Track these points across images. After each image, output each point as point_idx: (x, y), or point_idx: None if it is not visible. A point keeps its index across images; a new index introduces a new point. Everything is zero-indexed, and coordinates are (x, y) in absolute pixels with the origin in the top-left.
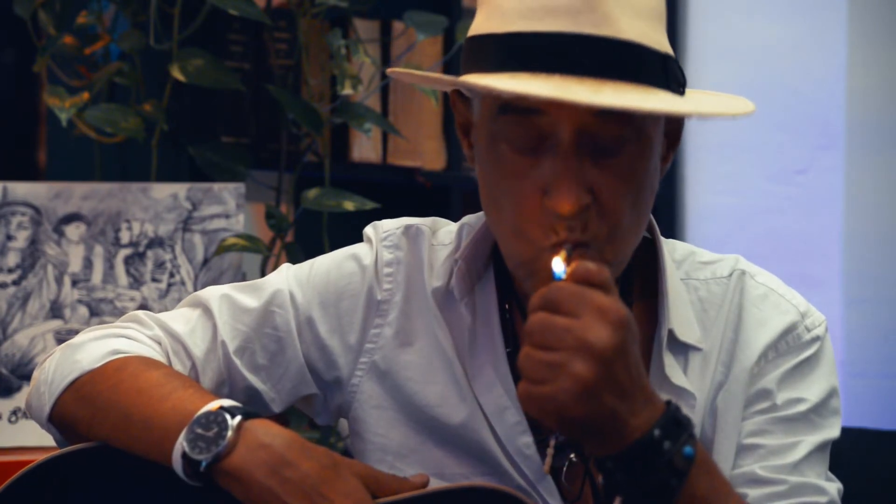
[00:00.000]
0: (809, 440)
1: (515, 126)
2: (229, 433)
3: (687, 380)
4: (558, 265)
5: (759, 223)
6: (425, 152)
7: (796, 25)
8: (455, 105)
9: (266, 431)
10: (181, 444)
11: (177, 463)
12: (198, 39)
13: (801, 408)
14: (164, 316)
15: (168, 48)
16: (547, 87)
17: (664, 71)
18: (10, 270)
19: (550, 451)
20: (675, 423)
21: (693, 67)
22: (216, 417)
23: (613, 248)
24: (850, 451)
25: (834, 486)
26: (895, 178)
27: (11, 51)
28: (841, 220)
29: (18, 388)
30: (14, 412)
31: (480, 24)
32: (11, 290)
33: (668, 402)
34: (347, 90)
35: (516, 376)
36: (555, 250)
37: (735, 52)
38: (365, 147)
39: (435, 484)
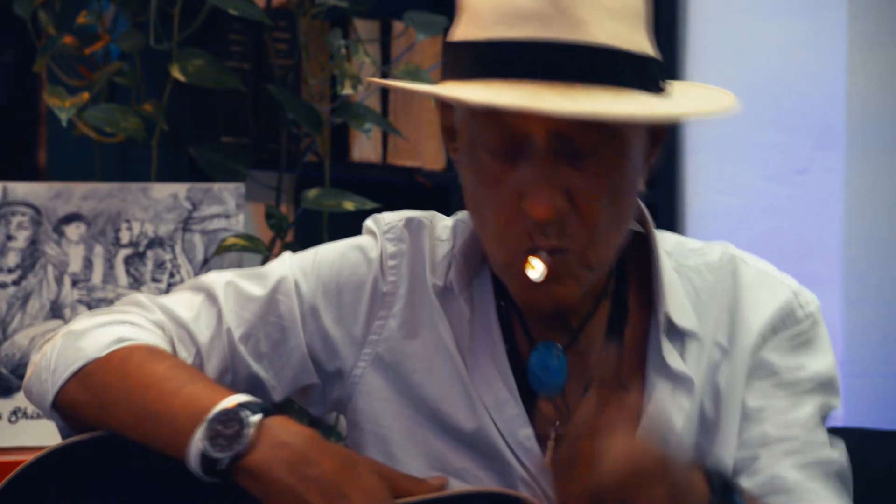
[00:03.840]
0: (813, 402)
1: (490, 130)
2: (250, 431)
3: (685, 364)
4: (533, 271)
5: (759, 223)
6: (425, 152)
7: (796, 25)
8: (440, 110)
9: (285, 430)
10: (200, 442)
11: (194, 459)
12: (198, 39)
13: (803, 374)
14: (165, 300)
15: (168, 48)
16: (517, 95)
17: (641, 72)
18: (10, 270)
19: (551, 443)
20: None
21: (693, 67)
22: (235, 415)
23: (595, 250)
24: (850, 451)
25: (840, 447)
26: (895, 179)
27: (11, 51)
28: (841, 220)
29: (18, 388)
30: (14, 412)
31: (458, 32)
32: (11, 290)
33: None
34: (347, 90)
35: (515, 370)
36: (529, 255)
37: (735, 52)
38: (365, 147)
39: (436, 477)
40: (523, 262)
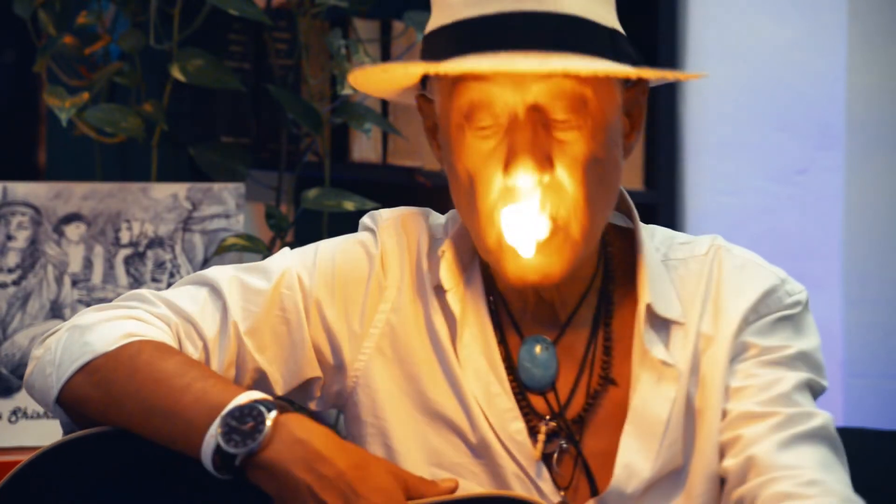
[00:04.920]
0: (796, 376)
1: (471, 106)
2: (266, 427)
3: (669, 353)
4: (524, 248)
5: (759, 223)
6: (425, 152)
7: (796, 25)
8: (421, 109)
9: (301, 427)
10: (214, 437)
11: (207, 455)
12: (198, 39)
13: (786, 352)
14: (169, 294)
15: (168, 48)
16: (492, 61)
17: (611, 43)
18: (10, 270)
19: (541, 436)
20: None
21: (693, 67)
22: (250, 411)
23: (579, 223)
24: (850, 451)
25: (829, 416)
26: (895, 178)
27: (11, 51)
28: (841, 220)
29: (18, 388)
30: (14, 412)
31: (431, 23)
32: (11, 290)
33: None
34: (347, 90)
35: (507, 365)
36: (518, 227)
37: (735, 52)
38: (365, 147)
39: (434, 475)
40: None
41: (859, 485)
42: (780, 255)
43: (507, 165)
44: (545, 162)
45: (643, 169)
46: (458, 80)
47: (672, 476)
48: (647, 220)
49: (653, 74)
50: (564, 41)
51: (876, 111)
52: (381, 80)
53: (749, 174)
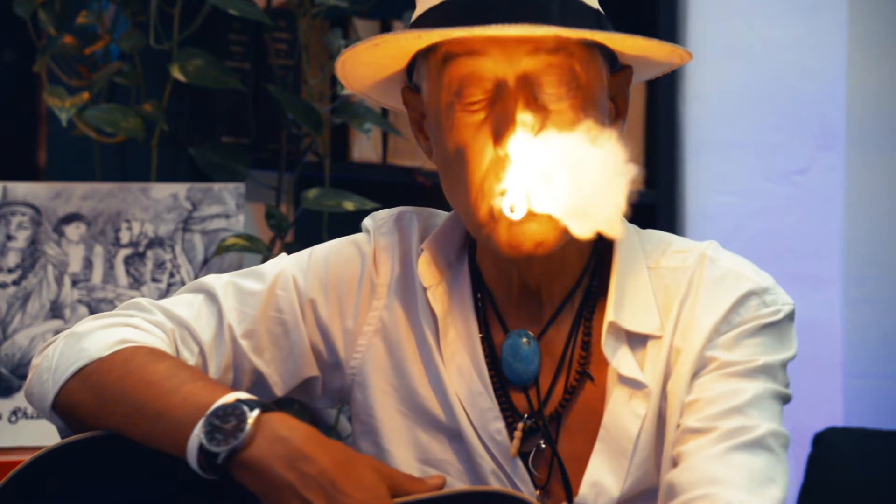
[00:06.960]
0: (754, 386)
1: (463, 81)
2: (248, 426)
3: (641, 369)
4: (515, 210)
5: (759, 223)
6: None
7: (796, 25)
8: (408, 103)
9: (284, 425)
10: (198, 435)
11: (192, 454)
12: (198, 39)
13: (750, 364)
14: (166, 302)
15: (168, 48)
16: (484, 28)
17: (597, 22)
18: (10, 270)
19: (518, 433)
20: None
21: (693, 67)
22: (234, 410)
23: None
24: (850, 451)
25: (775, 427)
26: (895, 178)
27: (11, 51)
28: (841, 220)
29: (18, 388)
30: (14, 412)
31: (418, 9)
32: (11, 290)
33: None
34: (347, 90)
35: (490, 363)
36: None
37: (735, 52)
38: (365, 147)
39: (424, 472)
40: (501, 204)
41: (860, 485)
42: (780, 255)
43: (498, 135)
44: (536, 131)
45: (643, 169)
46: (449, 58)
47: (648, 494)
48: (646, 221)
49: (641, 41)
50: (553, 15)
51: (876, 111)
52: (369, 62)
53: (749, 174)
